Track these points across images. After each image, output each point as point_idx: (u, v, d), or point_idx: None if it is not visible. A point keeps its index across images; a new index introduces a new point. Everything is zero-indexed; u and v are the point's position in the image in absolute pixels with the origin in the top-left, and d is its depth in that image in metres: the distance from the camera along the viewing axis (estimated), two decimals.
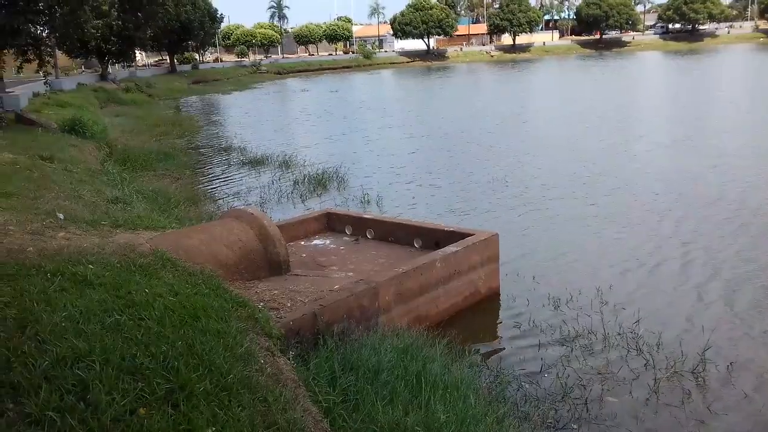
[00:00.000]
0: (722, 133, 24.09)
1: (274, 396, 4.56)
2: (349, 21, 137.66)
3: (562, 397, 6.99)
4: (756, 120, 27.04)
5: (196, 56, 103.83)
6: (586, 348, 8.12)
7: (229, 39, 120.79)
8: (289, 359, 5.82)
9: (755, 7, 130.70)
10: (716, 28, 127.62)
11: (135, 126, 32.52)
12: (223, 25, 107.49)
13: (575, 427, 6.52)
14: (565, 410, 6.77)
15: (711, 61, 76.54)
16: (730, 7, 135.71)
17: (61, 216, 9.02)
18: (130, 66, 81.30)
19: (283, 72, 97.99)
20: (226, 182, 20.35)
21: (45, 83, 28.92)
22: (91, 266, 6.06)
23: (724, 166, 18.49)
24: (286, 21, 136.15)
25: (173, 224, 10.85)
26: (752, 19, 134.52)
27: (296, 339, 6.70)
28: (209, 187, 19.63)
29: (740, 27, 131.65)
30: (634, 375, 7.44)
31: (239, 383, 4.47)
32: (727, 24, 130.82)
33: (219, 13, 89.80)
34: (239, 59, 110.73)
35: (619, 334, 8.42)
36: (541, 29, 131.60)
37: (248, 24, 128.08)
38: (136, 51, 77.33)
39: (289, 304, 7.42)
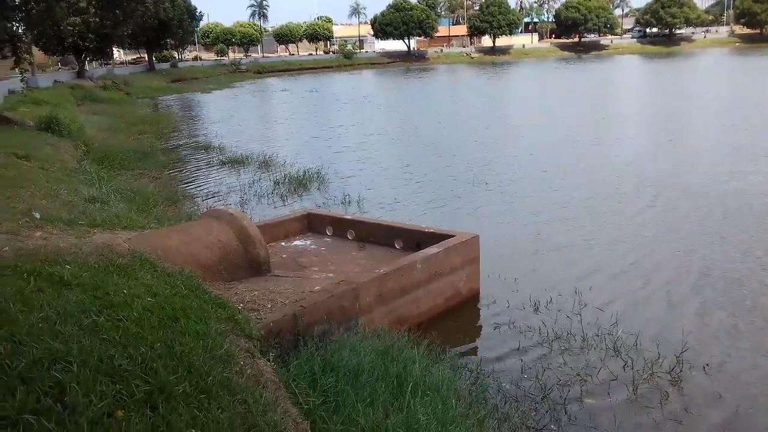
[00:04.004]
0: (700, 134, 24.40)
1: (254, 398, 4.52)
2: (330, 21, 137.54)
3: (542, 399, 7.03)
4: (736, 120, 27.45)
5: (175, 54, 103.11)
6: (565, 349, 8.17)
7: (208, 37, 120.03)
8: (269, 361, 5.78)
9: (731, 12, 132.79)
10: (693, 33, 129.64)
11: (112, 124, 32.14)
12: (202, 23, 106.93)
13: (554, 428, 6.55)
14: (545, 411, 6.81)
15: (688, 64, 77.53)
16: (707, 12, 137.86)
17: (38, 215, 8.89)
18: (107, 63, 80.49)
19: (263, 71, 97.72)
20: (205, 182, 20.20)
21: (22, 80, 28.37)
22: (68, 266, 5.97)
23: (700, 165, 18.74)
24: (266, 20, 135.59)
25: (152, 224, 10.75)
26: (728, 24, 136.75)
27: (276, 340, 6.66)
28: (188, 187, 19.46)
29: (716, 32, 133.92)
30: (613, 376, 7.50)
31: (219, 385, 4.43)
32: (704, 29, 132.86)
33: (198, 10, 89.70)
34: (219, 58, 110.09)
35: (598, 335, 8.48)
36: (521, 32, 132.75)
37: (228, 22, 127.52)
38: (114, 48, 76.58)
39: (269, 306, 7.37)
